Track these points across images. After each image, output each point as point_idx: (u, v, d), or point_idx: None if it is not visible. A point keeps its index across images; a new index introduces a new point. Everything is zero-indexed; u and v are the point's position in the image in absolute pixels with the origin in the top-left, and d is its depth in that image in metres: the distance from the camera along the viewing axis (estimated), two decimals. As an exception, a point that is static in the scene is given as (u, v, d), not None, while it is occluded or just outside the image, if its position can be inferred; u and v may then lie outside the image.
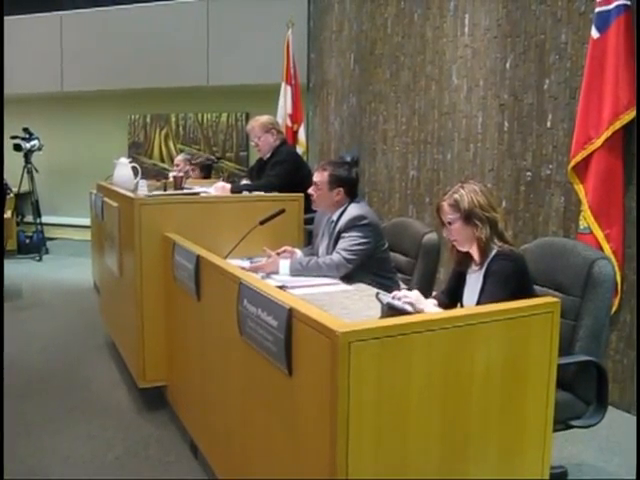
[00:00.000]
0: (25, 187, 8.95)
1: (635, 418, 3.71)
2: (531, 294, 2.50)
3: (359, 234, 3.39)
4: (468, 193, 2.65)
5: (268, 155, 4.80)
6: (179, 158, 6.86)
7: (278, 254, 3.57)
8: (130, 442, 3.47)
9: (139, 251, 3.63)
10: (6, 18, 9.03)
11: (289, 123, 7.17)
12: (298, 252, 3.69)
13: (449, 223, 2.69)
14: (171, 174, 5.43)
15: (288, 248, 3.65)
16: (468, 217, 2.63)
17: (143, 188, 4.06)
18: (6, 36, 9.02)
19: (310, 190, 3.60)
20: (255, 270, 3.36)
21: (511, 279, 2.54)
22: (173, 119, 9.71)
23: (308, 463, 1.87)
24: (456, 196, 2.67)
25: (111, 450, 3.37)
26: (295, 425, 1.96)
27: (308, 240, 4.19)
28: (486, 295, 2.57)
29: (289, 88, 7.24)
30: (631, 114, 3.66)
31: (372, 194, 6.06)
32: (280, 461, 2.09)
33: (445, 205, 2.70)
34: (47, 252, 8.98)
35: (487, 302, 2.43)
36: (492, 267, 2.60)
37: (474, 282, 2.69)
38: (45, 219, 9.20)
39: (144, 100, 9.62)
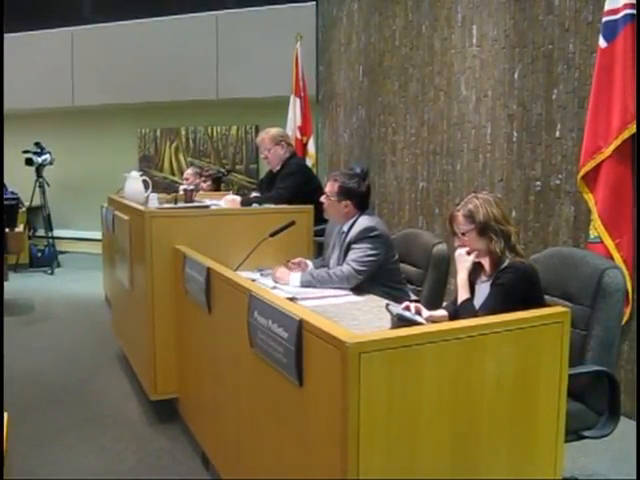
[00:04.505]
0: (37, 201, 9.02)
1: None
2: (541, 306, 2.49)
3: (369, 245, 3.39)
4: (483, 205, 2.63)
5: (278, 167, 4.81)
6: (188, 172, 6.90)
7: (294, 263, 3.61)
8: (142, 454, 3.48)
9: (150, 264, 3.65)
10: (18, 34, 9.17)
11: (298, 135, 7.20)
12: (310, 264, 3.71)
13: (462, 234, 2.68)
14: (181, 187, 5.46)
15: (303, 260, 3.67)
16: (483, 230, 2.62)
17: (154, 201, 4.08)
18: (18, 51, 9.14)
19: (322, 199, 3.62)
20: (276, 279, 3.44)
21: (513, 292, 2.52)
22: (183, 132, 9.77)
23: (319, 474, 1.87)
24: (470, 207, 2.65)
25: (123, 462, 3.38)
26: (306, 436, 1.96)
27: (318, 252, 4.20)
28: (484, 306, 2.57)
29: (298, 100, 7.28)
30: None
31: (382, 205, 6.07)
32: (291, 472, 2.10)
33: (459, 216, 2.68)
34: (59, 265, 9.02)
35: (485, 313, 2.42)
36: (499, 279, 2.59)
37: (482, 292, 2.68)
38: (57, 233, 9.26)
39: (154, 114, 9.68)
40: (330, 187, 3.55)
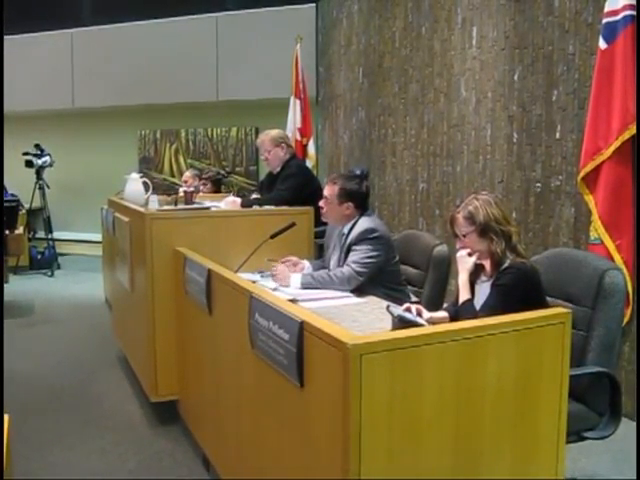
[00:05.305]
0: (37, 203, 9.03)
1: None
2: (542, 307, 2.49)
3: (370, 247, 3.39)
4: (482, 205, 2.63)
5: (278, 169, 4.81)
6: (187, 174, 6.91)
7: (283, 262, 3.59)
8: (143, 456, 3.48)
9: (150, 265, 3.65)
10: (17, 36, 9.18)
11: (298, 137, 7.20)
12: (306, 263, 3.70)
13: (463, 236, 2.68)
14: (181, 189, 5.46)
15: (293, 258, 3.66)
16: (484, 231, 2.62)
17: (154, 203, 4.08)
18: (18, 53, 9.15)
19: (320, 203, 3.61)
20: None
21: (514, 293, 2.52)
22: (183, 134, 9.76)
23: (321, 475, 1.87)
24: (470, 208, 2.65)
25: (124, 464, 3.38)
26: (307, 438, 1.96)
27: (319, 253, 4.19)
28: (485, 307, 2.57)
29: (298, 102, 7.27)
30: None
31: (382, 207, 6.07)
32: (292, 474, 2.09)
33: (459, 217, 2.68)
34: (59, 267, 9.02)
35: (485, 314, 2.43)
36: (499, 279, 2.59)
37: (482, 292, 2.68)
38: (57, 235, 9.26)
39: (154, 115, 9.68)
40: (329, 190, 3.54)
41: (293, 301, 2.77)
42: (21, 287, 7.69)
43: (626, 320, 3.70)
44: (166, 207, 4.13)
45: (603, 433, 2.57)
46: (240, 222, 3.93)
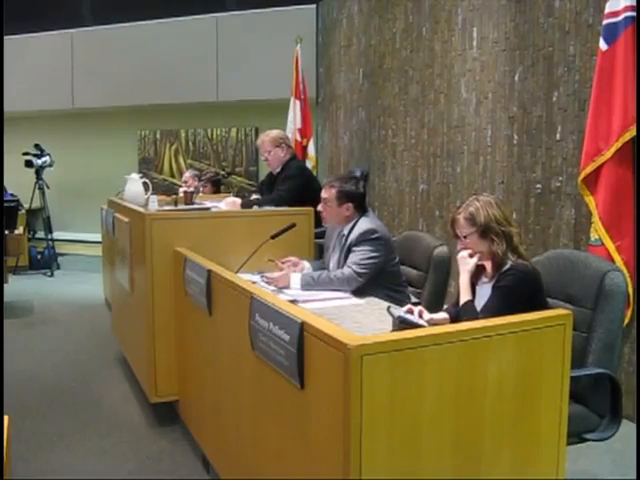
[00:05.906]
0: (36, 203, 9.03)
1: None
2: (543, 309, 2.49)
3: (370, 248, 3.39)
4: (483, 207, 2.63)
5: (278, 170, 4.81)
6: (187, 175, 6.90)
7: (283, 262, 3.59)
8: (142, 457, 3.47)
9: (150, 266, 3.65)
10: (17, 36, 9.17)
11: (298, 138, 7.19)
12: (306, 264, 3.69)
13: (464, 237, 2.68)
14: (181, 189, 5.45)
15: (293, 259, 3.66)
16: (485, 232, 2.62)
17: (154, 203, 4.08)
18: (18, 54, 9.14)
19: (319, 207, 3.61)
20: (269, 283, 3.38)
21: (515, 295, 2.52)
22: (183, 134, 9.75)
23: (321, 477, 1.87)
24: (471, 209, 2.65)
25: (124, 465, 3.38)
26: (308, 439, 1.96)
27: (319, 254, 4.19)
28: (486, 308, 2.57)
29: (298, 103, 7.27)
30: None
31: (382, 208, 6.07)
32: (292, 475, 2.09)
33: (460, 219, 2.68)
34: (58, 268, 9.02)
35: (487, 315, 2.43)
36: (501, 281, 2.59)
37: (484, 294, 2.67)
38: (56, 235, 9.26)
39: (154, 116, 9.67)
40: (327, 194, 3.54)
41: (293, 302, 2.77)
42: (21, 287, 7.68)
43: (626, 321, 3.70)
44: (166, 207, 4.13)
45: (604, 435, 2.57)
46: (240, 223, 3.93)
